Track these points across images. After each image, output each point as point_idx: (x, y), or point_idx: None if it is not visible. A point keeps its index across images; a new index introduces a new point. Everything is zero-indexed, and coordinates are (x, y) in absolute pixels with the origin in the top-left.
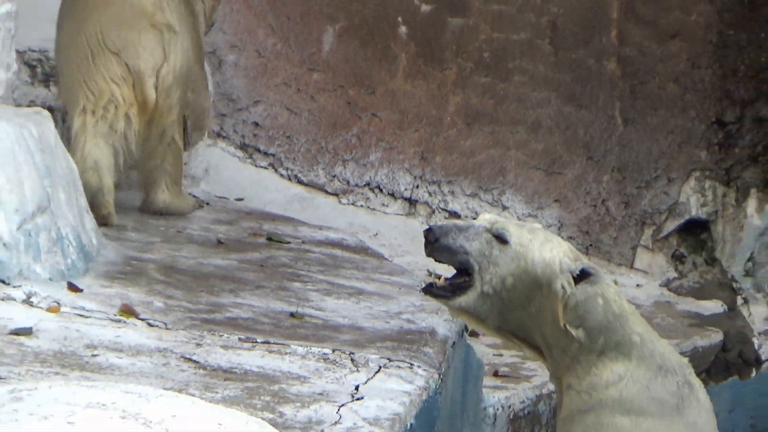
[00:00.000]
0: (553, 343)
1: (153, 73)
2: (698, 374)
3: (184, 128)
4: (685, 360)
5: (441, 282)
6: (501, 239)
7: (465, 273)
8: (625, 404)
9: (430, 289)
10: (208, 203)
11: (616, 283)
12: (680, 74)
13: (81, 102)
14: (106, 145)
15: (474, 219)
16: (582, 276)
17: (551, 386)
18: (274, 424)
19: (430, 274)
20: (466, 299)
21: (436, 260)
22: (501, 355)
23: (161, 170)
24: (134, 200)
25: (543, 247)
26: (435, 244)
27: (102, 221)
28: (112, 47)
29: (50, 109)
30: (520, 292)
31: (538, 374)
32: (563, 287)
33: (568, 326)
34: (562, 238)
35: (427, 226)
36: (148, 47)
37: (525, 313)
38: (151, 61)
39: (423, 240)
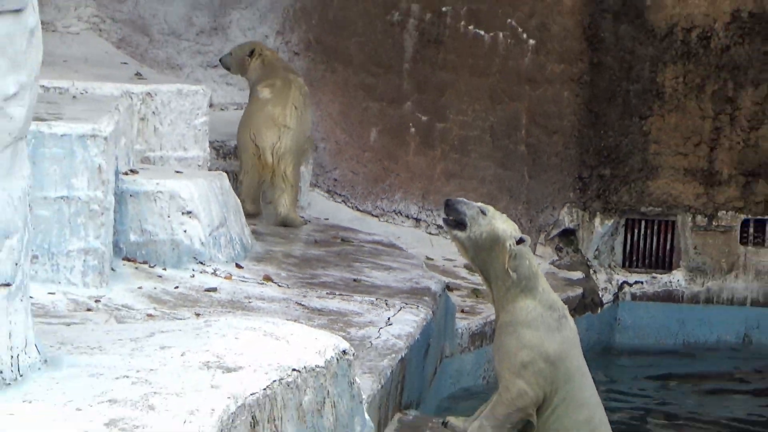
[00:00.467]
0: (499, 278)
1: (270, 148)
2: (570, 311)
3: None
4: (564, 304)
5: (453, 215)
6: (483, 212)
7: (462, 226)
8: (529, 323)
9: (446, 221)
10: (309, 221)
11: None
12: (559, 152)
13: (243, 167)
14: (255, 187)
15: None
16: (520, 241)
17: (491, 317)
18: (346, 339)
19: (428, 259)
20: (460, 234)
21: (447, 215)
22: (465, 302)
23: (282, 196)
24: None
25: (503, 222)
26: (450, 206)
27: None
28: (254, 138)
29: (227, 172)
30: (486, 243)
31: (485, 312)
32: (510, 245)
33: (509, 269)
34: None
35: (447, 198)
36: (270, 135)
37: (487, 256)
38: (269, 142)
39: (425, 240)
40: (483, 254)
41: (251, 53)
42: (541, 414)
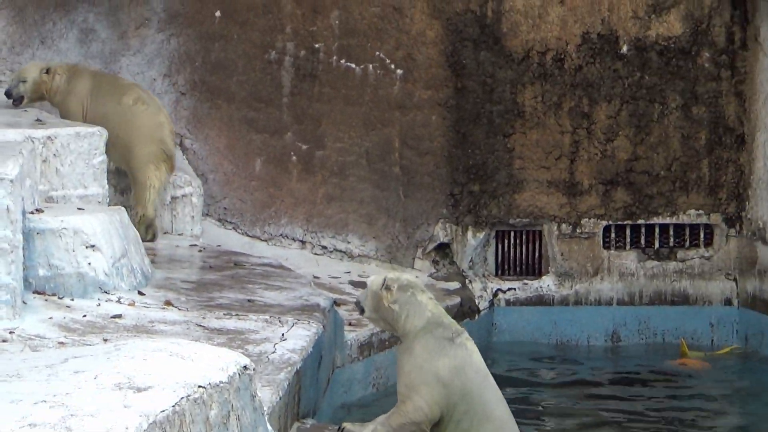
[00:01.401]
0: (392, 318)
1: (174, 153)
2: None
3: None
4: (455, 322)
5: (358, 307)
6: (366, 285)
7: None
8: (421, 345)
9: (358, 306)
10: (204, 248)
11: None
12: (431, 172)
13: (150, 180)
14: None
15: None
16: (383, 282)
17: (376, 329)
18: (245, 355)
19: (316, 277)
20: (365, 314)
21: (360, 311)
22: (351, 315)
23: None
24: (168, 247)
25: (373, 279)
26: (356, 304)
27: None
28: (163, 147)
29: (125, 207)
30: (372, 303)
31: (371, 324)
32: (376, 290)
33: (390, 305)
34: (377, 258)
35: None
36: (172, 140)
37: (378, 310)
38: (173, 147)
39: (312, 261)
40: (377, 313)
41: (47, 71)
42: (445, 427)
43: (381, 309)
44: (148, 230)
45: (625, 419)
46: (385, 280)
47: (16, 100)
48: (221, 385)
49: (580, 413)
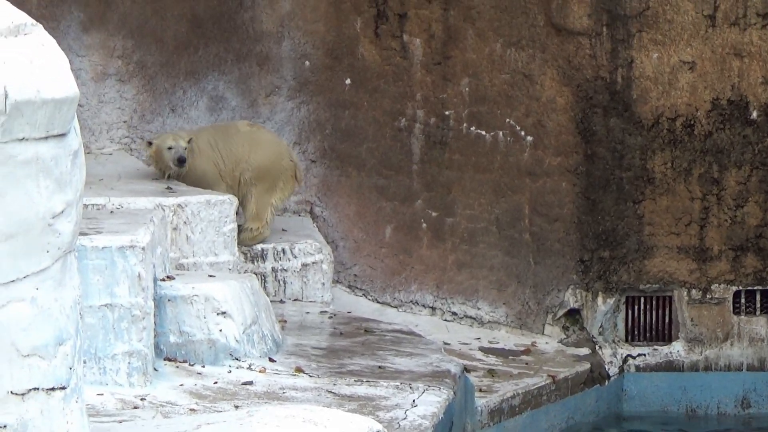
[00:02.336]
0: None
1: None
2: (579, 385)
3: None
4: None
5: None
6: None
7: None
8: None
9: None
10: (334, 315)
11: (534, 343)
12: (560, 238)
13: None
14: None
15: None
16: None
17: (509, 393)
18: (376, 421)
19: (446, 344)
20: None
21: None
22: (482, 381)
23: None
24: (298, 314)
25: None
26: None
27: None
28: (291, 158)
29: (255, 274)
30: None
31: (501, 390)
32: None
33: None
34: (507, 324)
35: None
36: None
37: None
38: None
39: (442, 327)
40: None
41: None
42: None
43: None
44: (254, 241)
45: None
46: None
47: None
48: None
49: None
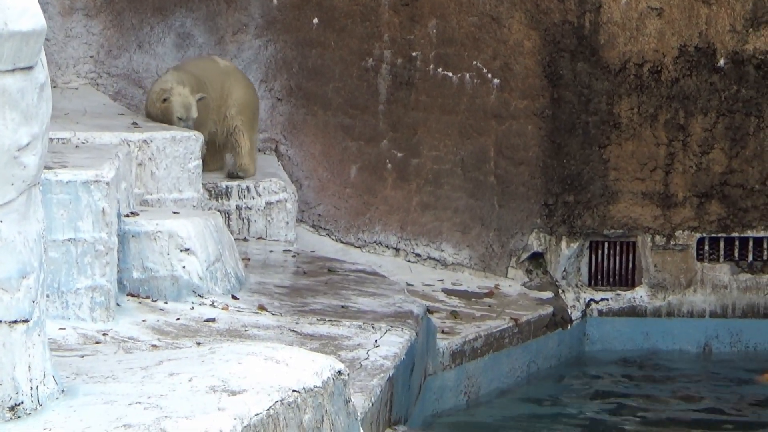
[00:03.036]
0: None
1: None
2: (541, 329)
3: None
4: None
5: None
6: None
7: None
8: None
9: None
10: (298, 254)
11: (497, 286)
12: (525, 182)
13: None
14: None
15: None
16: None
17: (471, 335)
18: (338, 360)
19: (409, 285)
20: None
21: None
22: (444, 323)
23: None
24: (262, 252)
25: None
26: None
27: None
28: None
29: (219, 211)
30: None
31: (464, 332)
32: None
33: None
34: (471, 267)
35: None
36: None
37: None
38: None
39: (405, 268)
40: None
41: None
42: None
43: None
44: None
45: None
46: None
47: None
48: (315, 389)
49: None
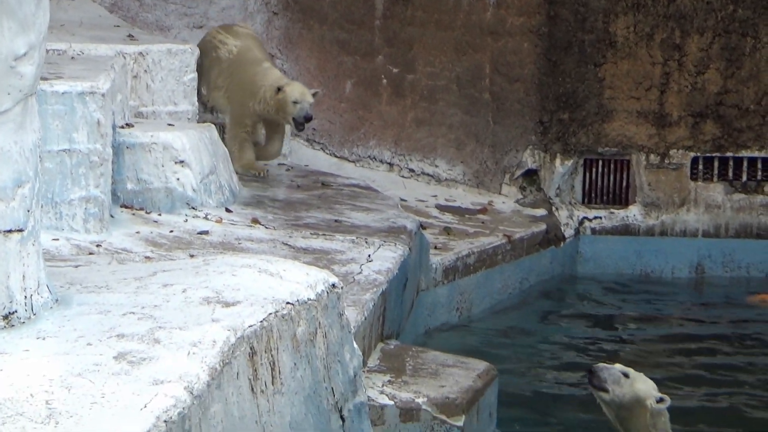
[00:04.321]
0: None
1: None
2: (534, 246)
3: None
4: None
5: (596, 381)
6: (625, 375)
7: (605, 390)
8: None
9: (591, 384)
10: (292, 168)
11: (490, 202)
12: (520, 99)
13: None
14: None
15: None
16: (660, 401)
17: (464, 251)
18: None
19: (402, 200)
20: (604, 396)
21: (590, 380)
22: (437, 239)
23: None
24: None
25: (643, 383)
26: (593, 372)
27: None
28: None
29: (214, 124)
30: (629, 403)
31: (457, 248)
32: (651, 404)
33: (649, 426)
34: (464, 183)
35: (591, 366)
36: None
37: (629, 414)
38: None
39: (399, 183)
40: (624, 412)
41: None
42: None
43: (632, 419)
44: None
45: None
46: (661, 399)
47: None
48: (309, 302)
49: (657, 346)
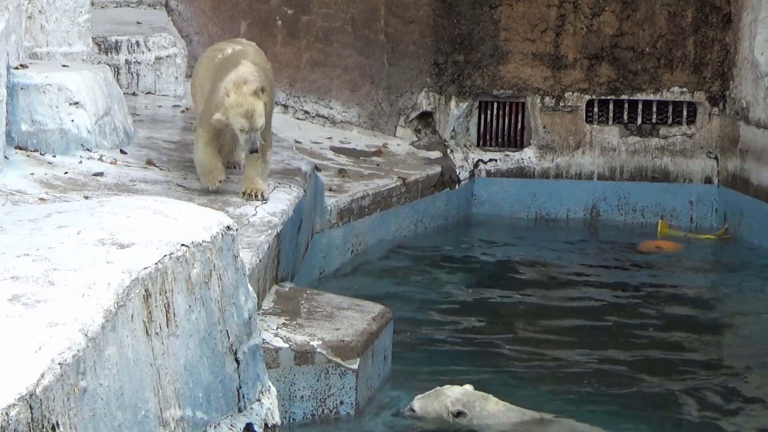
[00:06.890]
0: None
1: None
2: (429, 188)
3: None
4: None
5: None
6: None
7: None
8: None
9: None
10: (187, 109)
11: (385, 144)
12: (415, 40)
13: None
14: None
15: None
16: (458, 415)
17: (359, 193)
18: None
19: (297, 142)
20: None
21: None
22: (332, 181)
23: None
24: (151, 107)
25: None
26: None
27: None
28: None
29: (109, 65)
30: (435, 420)
31: (352, 190)
32: (451, 419)
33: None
34: (359, 125)
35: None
36: None
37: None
38: None
39: (294, 125)
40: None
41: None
42: None
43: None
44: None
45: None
46: (458, 413)
47: None
48: (204, 244)
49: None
